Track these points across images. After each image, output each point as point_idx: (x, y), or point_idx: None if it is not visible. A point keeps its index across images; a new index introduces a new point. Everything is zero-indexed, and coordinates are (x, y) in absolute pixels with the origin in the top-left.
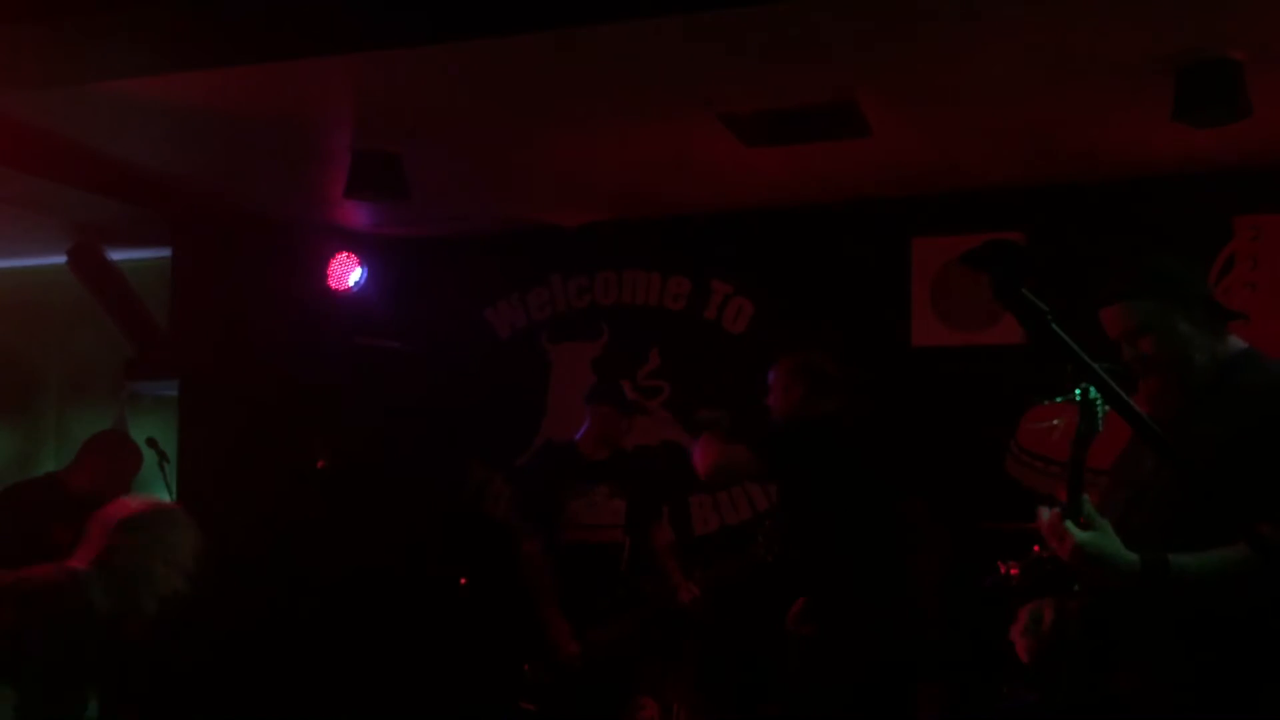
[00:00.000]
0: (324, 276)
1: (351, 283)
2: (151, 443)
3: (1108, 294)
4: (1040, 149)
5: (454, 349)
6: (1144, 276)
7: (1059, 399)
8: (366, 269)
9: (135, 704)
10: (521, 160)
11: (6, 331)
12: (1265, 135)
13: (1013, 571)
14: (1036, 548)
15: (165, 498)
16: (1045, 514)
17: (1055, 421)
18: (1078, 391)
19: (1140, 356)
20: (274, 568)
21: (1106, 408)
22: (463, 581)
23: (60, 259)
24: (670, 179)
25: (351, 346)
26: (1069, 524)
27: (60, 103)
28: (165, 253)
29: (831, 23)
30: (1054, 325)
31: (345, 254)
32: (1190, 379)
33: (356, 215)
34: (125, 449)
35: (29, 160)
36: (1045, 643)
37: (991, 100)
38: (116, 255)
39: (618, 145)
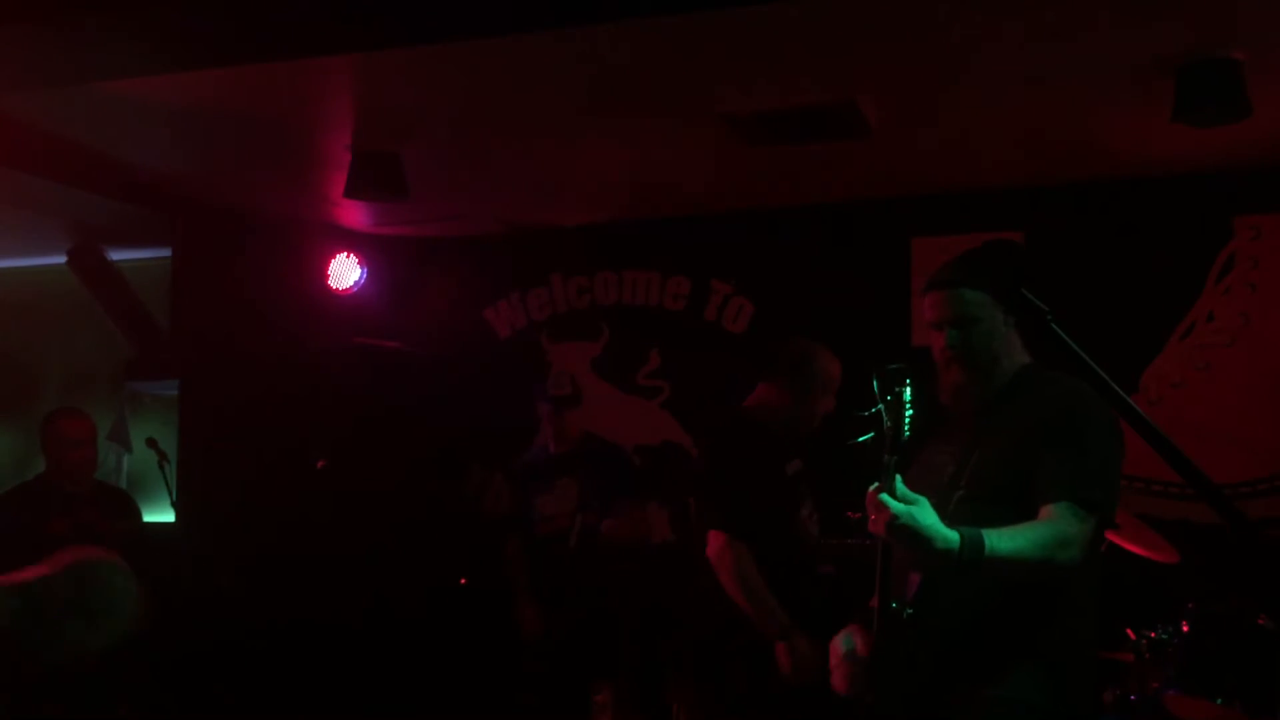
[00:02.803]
0: (324, 276)
1: (351, 283)
2: (151, 443)
3: (945, 279)
4: (1040, 149)
5: (454, 349)
6: (984, 270)
7: (876, 408)
8: (366, 269)
9: (128, 703)
10: (521, 160)
11: (6, 331)
12: (1265, 135)
13: None
14: None
15: (166, 498)
16: (873, 487)
17: None
18: (889, 395)
19: (957, 344)
20: (273, 567)
21: (912, 412)
22: (463, 581)
23: (60, 259)
24: (670, 179)
25: (351, 346)
26: (885, 497)
27: (60, 103)
28: (165, 253)
29: (831, 23)
30: (1054, 325)
31: (345, 254)
32: (992, 380)
33: (356, 215)
34: (58, 431)
35: (29, 160)
36: (862, 665)
37: (991, 100)
38: (116, 255)
39: (618, 145)
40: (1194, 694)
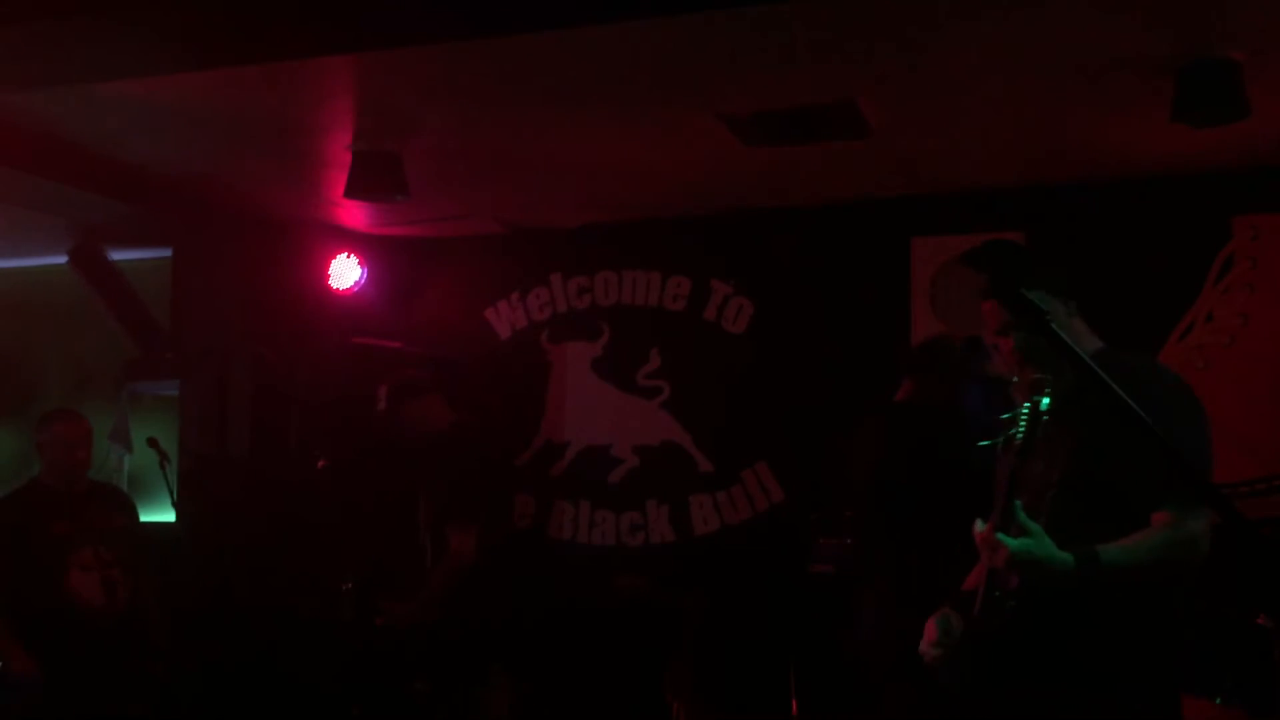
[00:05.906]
0: (324, 276)
1: (351, 283)
2: (152, 443)
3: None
4: (1040, 149)
5: (454, 349)
6: (1036, 271)
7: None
8: (366, 269)
9: (145, 703)
10: (521, 160)
11: (6, 331)
12: (1265, 135)
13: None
14: None
15: (166, 498)
16: (979, 526)
17: None
18: (1027, 405)
19: (1025, 346)
20: (274, 568)
21: (1046, 419)
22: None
23: (60, 259)
24: (670, 179)
25: (351, 346)
26: (1000, 535)
27: (60, 103)
28: (165, 253)
29: (831, 23)
30: (1052, 324)
31: (345, 254)
32: (1065, 372)
33: (356, 215)
34: (55, 434)
35: (29, 160)
36: (957, 648)
37: (991, 100)
38: (116, 255)
39: (618, 145)
40: (1194, 694)
